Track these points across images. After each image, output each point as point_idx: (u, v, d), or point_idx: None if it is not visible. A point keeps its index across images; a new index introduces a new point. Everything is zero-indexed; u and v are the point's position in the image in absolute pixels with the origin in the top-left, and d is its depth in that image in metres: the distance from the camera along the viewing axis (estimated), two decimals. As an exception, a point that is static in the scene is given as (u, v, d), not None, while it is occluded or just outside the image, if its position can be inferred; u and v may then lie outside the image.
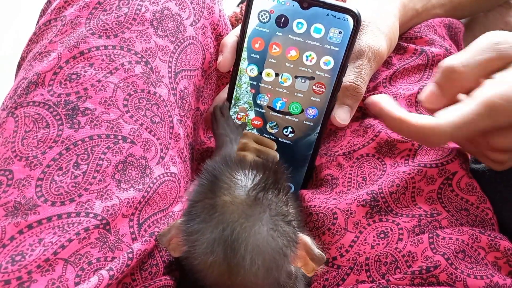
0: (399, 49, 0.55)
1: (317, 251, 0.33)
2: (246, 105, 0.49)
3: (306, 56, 0.46)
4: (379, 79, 0.53)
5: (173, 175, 0.42)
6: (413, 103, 0.51)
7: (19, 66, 0.45)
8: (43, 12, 0.46)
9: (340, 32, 0.44)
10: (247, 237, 0.30)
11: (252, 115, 0.49)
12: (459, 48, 0.60)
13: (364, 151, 0.49)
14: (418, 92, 0.51)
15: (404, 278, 0.39)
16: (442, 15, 0.59)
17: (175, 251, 0.35)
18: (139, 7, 0.42)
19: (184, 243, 0.33)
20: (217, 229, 0.30)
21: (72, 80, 0.38)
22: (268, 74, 0.47)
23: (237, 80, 0.48)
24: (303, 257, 0.33)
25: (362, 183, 0.48)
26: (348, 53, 0.45)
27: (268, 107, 0.49)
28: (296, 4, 0.44)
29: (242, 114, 0.50)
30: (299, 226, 0.34)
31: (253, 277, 0.31)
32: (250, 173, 0.33)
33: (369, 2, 0.50)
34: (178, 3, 0.45)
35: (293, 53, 0.46)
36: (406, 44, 0.55)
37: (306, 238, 0.33)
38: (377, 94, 0.51)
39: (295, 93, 0.47)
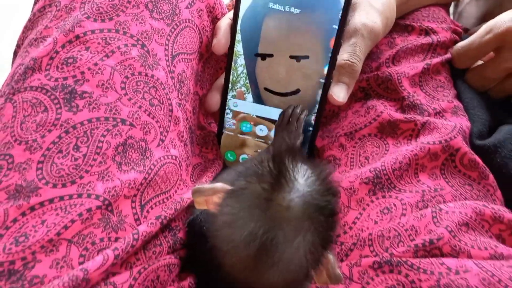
0: (403, 31, 0.55)
1: (337, 271, 0.32)
2: (243, 88, 0.49)
3: (300, 35, 0.45)
4: (381, 59, 0.53)
5: (173, 157, 0.42)
6: (417, 82, 0.51)
7: (15, 54, 0.45)
8: (36, 0, 0.46)
9: (331, 10, 0.44)
10: (285, 249, 0.29)
11: (250, 98, 0.49)
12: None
13: (366, 131, 0.49)
14: (421, 71, 0.51)
15: (407, 251, 0.39)
16: None
17: (203, 206, 0.33)
18: None
19: (218, 217, 0.32)
20: (260, 228, 0.29)
21: (69, 64, 0.38)
22: None
23: (233, 63, 0.48)
24: (321, 271, 0.33)
25: (365, 162, 0.47)
26: (341, 30, 0.45)
27: (266, 89, 0.49)
28: None
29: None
30: (331, 248, 0.33)
31: (273, 284, 0.31)
32: (314, 183, 0.31)
33: None
34: None
35: (283, 31, 0.45)
36: (411, 27, 0.55)
37: (330, 256, 0.33)
38: (380, 73, 0.51)
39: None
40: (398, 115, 0.48)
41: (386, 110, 0.49)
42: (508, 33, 0.48)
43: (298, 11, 0.44)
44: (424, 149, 0.45)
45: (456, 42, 0.55)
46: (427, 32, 0.54)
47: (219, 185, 0.33)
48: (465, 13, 0.68)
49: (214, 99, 0.49)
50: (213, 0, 0.49)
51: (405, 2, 0.55)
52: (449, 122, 0.47)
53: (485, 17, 0.52)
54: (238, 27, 0.46)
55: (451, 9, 0.72)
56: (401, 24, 0.54)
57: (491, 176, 0.45)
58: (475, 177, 0.45)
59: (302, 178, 0.31)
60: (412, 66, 0.51)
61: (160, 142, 0.41)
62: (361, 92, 0.52)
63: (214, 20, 0.50)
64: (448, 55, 0.54)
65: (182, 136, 0.44)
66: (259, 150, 0.51)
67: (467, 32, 0.61)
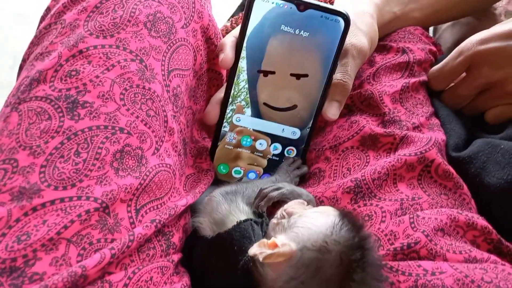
0: (382, 50, 0.59)
1: None
2: (243, 103, 0.52)
3: (302, 55, 0.49)
4: (363, 77, 0.57)
5: (168, 166, 0.44)
6: (397, 99, 0.55)
7: (20, 68, 0.47)
8: (42, 18, 0.49)
9: (332, 33, 0.48)
10: None
11: (248, 112, 0.52)
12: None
13: (349, 144, 0.52)
14: (401, 89, 0.55)
15: (387, 254, 0.41)
16: (421, 18, 0.63)
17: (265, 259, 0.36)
18: (133, 10, 0.45)
19: (282, 279, 0.35)
20: None
21: (72, 76, 0.41)
22: None
23: (235, 78, 0.51)
24: None
25: (347, 173, 0.50)
26: (339, 52, 0.49)
27: (265, 104, 0.51)
28: (293, 6, 0.47)
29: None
30: None
31: None
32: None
33: (344, 4, 0.54)
34: (170, 7, 0.48)
35: (287, 50, 0.49)
36: (389, 46, 0.59)
37: None
38: (363, 91, 0.55)
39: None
40: (379, 129, 0.52)
41: (368, 124, 0.52)
42: (476, 54, 0.53)
43: (307, 34, 0.48)
44: (401, 161, 0.48)
45: (431, 62, 0.60)
46: (404, 50, 0.58)
47: (287, 249, 0.35)
48: (441, 39, 0.73)
49: (214, 112, 0.51)
50: (207, 22, 0.53)
51: (385, 25, 0.59)
52: (425, 135, 0.50)
53: (459, 43, 0.56)
54: (244, 44, 0.49)
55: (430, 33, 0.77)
56: (380, 44, 0.59)
57: (465, 186, 0.48)
58: (451, 186, 0.48)
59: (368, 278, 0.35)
60: (391, 84, 0.55)
61: (155, 151, 0.43)
62: (345, 108, 0.56)
63: (208, 40, 0.53)
64: (425, 77, 0.58)
65: (176, 147, 0.47)
66: (255, 164, 0.54)
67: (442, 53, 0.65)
